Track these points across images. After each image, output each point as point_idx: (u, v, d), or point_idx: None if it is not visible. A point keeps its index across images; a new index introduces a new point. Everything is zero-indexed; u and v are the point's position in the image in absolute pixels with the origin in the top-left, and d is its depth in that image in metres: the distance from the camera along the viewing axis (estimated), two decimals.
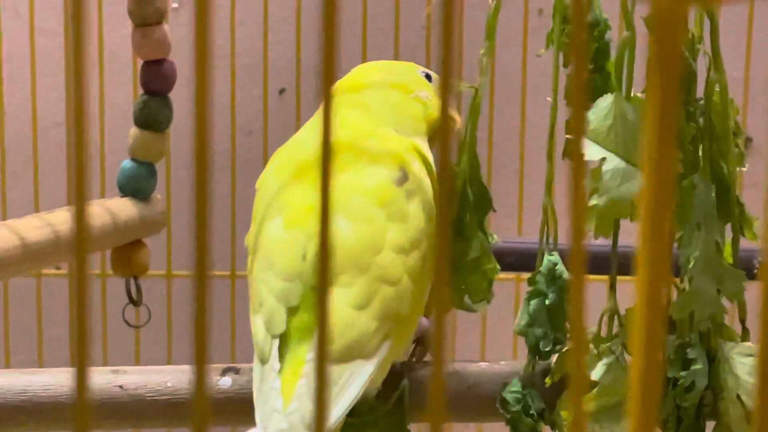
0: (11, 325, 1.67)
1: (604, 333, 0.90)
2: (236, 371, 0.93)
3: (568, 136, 0.87)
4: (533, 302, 0.91)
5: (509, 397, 0.92)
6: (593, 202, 0.85)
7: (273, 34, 1.60)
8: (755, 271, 1.09)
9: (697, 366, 0.88)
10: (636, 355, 0.30)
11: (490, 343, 1.63)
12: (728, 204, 0.89)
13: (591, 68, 0.88)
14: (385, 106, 0.92)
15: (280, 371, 0.79)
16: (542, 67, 1.02)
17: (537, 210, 0.95)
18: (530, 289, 0.92)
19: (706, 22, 0.88)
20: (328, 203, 0.30)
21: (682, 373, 0.88)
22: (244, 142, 1.68)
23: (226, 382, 0.92)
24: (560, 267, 0.91)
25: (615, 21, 0.90)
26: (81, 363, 0.29)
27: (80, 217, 0.30)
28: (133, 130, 1.24)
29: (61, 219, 1.10)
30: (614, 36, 0.90)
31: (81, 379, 0.29)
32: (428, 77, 0.95)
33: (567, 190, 0.32)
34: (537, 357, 0.92)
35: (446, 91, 0.30)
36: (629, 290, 0.31)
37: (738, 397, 0.87)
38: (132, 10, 1.19)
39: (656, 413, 0.30)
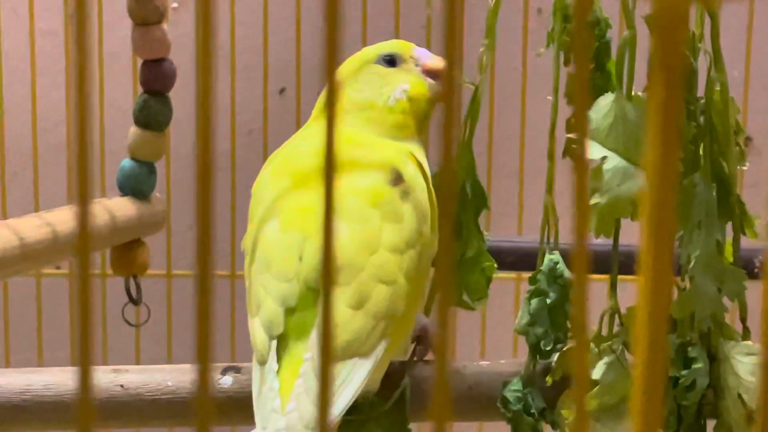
0: (11, 325, 1.67)
1: (604, 332, 0.90)
2: (237, 370, 0.92)
3: (568, 135, 0.87)
4: (534, 301, 0.91)
5: (510, 396, 0.92)
6: (594, 201, 0.85)
7: (273, 34, 1.60)
8: (756, 270, 1.09)
9: (698, 365, 0.88)
10: (639, 354, 0.30)
11: (490, 343, 1.63)
12: (729, 203, 0.89)
13: (592, 67, 0.88)
14: (367, 124, 0.92)
15: (278, 371, 0.80)
16: (542, 67, 1.02)
17: (537, 209, 0.95)
18: (531, 288, 0.92)
19: (707, 22, 0.88)
20: (332, 208, 0.30)
21: (683, 372, 0.88)
22: (244, 142, 1.68)
23: (226, 381, 0.92)
24: (561, 266, 0.91)
25: (615, 20, 0.90)
26: (84, 363, 0.29)
27: (83, 216, 0.30)
28: (133, 130, 1.24)
29: (60, 218, 1.10)
30: (615, 35, 0.90)
31: (84, 379, 0.29)
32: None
33: (568, 189, 0.32)
34: (538, 356, 0.92)
35: (450, 90, 0.30)
36: (630, 289, 0.31)
37: (739, 396, 0.87)
38: (132, 10, 1.19)
39: (660, 412, 0.30)
